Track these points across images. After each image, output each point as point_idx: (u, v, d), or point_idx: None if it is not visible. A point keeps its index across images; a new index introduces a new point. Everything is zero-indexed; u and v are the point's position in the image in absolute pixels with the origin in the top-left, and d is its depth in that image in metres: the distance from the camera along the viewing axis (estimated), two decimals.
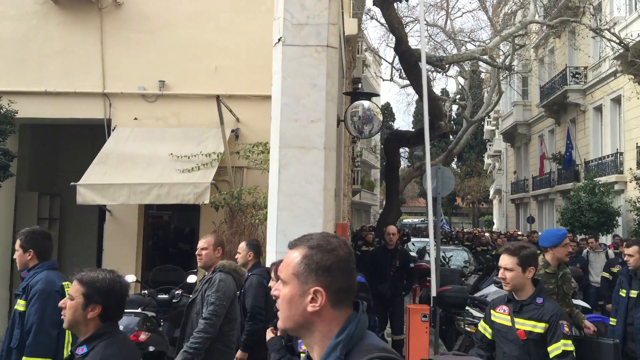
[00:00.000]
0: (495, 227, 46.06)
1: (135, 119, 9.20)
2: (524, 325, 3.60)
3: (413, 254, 17.20)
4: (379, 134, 40.06)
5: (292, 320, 1.68)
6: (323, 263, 1.68)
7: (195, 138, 8.05)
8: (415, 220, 43.30)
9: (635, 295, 5.41)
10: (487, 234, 23.36)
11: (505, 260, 3.66)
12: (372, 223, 31.62)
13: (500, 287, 9.38)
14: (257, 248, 5.24)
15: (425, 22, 25.29)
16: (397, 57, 18.76)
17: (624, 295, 5.53)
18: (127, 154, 8.35)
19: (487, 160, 55.11)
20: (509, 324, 3.67)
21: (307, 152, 4.94)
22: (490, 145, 50.90)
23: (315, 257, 1.69)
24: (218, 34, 8.66)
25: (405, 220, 43.11)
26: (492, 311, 3.88)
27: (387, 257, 7.93)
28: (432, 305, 6.21)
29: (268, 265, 4.64)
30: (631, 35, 18.26)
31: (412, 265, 8.18)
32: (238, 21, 8.65)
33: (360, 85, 28.33)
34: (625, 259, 5.64)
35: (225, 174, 7.80)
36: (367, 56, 33.28)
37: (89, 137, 10.48)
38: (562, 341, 3.50)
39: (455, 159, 62.48)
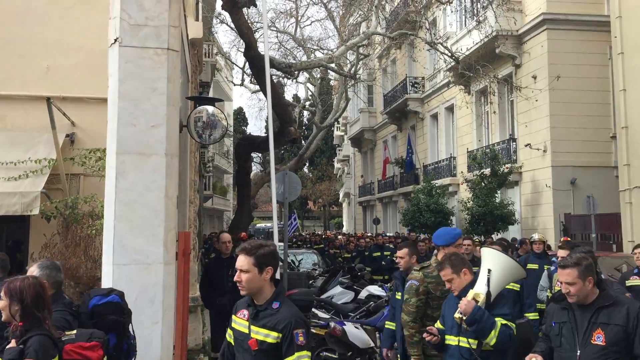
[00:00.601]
0: (344, 229, 47.79)
1: None
2: (258, 333, 3.19)
3: None
4: (232, 138, 39.87)
5: None
6: None
7: (24, 143, 7.36)
8: (269, 224, 43.50)
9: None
10: (340, 237, 24.09)
11: (241, 261, 3.22)
12: (224, 229, 31.23)
13: (345, 288, 9.75)
14: (3, 262, 5.00)
15: (275, 29, 25.59)
16: (247, 62, 18.79)
17: (399, 298, 5.32)
18: None
19: (336, 165, 57.07)
20: (246, 330, 3.25)
21: (147, 158, 4.72)
22: (339, 150, 52.80)
23: None
24: (50, 30, 8.00)
25: (258, 225, 43.21)
26: (233, 316, 3.41)
27: (222, 267, 7.28)
28: None
29: (109, 285, 4.35)
30: (461, 50, 19.94)
31: None
32: (73, 17, 8.07)
33: (210, 90, 27.94)
34: (397, 261, 5.54)
35: (59, 182, 7.20)
36: (218, 60, 32.93)
37: None
38: (297, 354, 3.08)
39: (307, 164, 63.98)
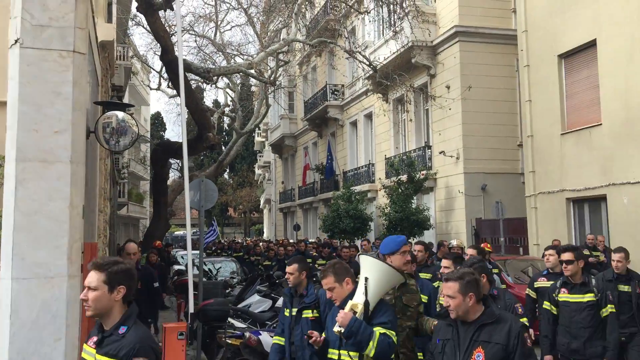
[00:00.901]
0: (265, 236, 47.59)
1: None
2: None
3: (182, 267, 16.85)
4: (149, 144, 38.78)
5: None
6: None
7: None
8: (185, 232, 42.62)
9: (295, 313, 5.08)
10: (262, 244, 23.85)
11: (90, 277, 2.95)
12: (133, 238, 30.30)
13: (263, 296, 9.68)
14: None
15: (194, 33, 25.16)
16: (164, 66, 18.33)
17: (287, 315, 5.15)
18: None
19: (257, 171, 56.81)
20: (92, 358, 2.98)
21: (50, 166, 4.48)
22: (260, 156, 52.61)
23: None
24: None
25: (176, 233, 42.21)
26: (84, 344, 3.15)
27: None
28: (189, 322, 6.08)
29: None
30: (379, 59, 20.40)
31: (156, 284, 7.22)
32: None
33: (126, 94, 27.06)
34: (287, 277, 5.32)
35: None
36: (134, 63, 31.99)
37: None
38: None
39: (227, 170, 63.29)
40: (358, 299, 3.86)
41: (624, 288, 6.51)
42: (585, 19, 14.68)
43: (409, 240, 17.22)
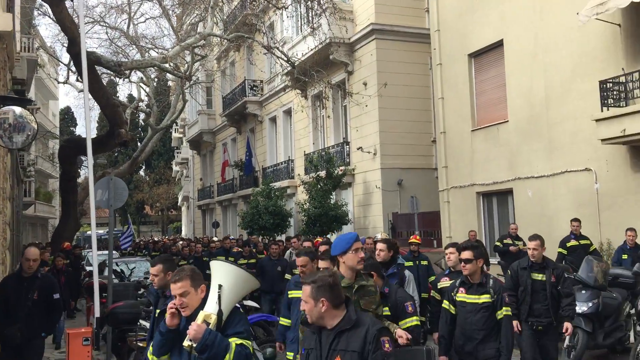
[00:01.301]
0: (183, 234, 46.62)
1: None
2: None
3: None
4: (58, 140, 36.94)
5: None
6: None
7: None
8: (100, 231, 41.08)
9: (157, 315, 4.58)
10: (179, 243, 22.98)
11: None
12: (49, 238, 28.84)
13: None
14: None
15: (105, 24, 24.18)
16: (71, 58, 17.50)
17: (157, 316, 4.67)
18: None
19: (175, 168, 55.54)
20: None
21: None
22: (178, 152, 51.44)
23: None
24: None
25: (89, 232, 40.47)
26: None
27: (21, 288, 6.23)
28: (95, 327, 5.81)
29: None
30: (297, 55, 20.41)
31: (56, 296, 6.47)
32: None
33: (31, 88, 25.63)
34: (151, 279, 4.89)
35: None
36: (41, 55, 30.37)
37: None
38: None
39: (143, 167, 61.47)
40: (210, 309, 3.48)
41: (538, 276, 6.47)
42: (493, 19, 15.31)
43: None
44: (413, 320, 4.73)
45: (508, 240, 12.80)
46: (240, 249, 15.05)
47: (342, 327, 3.27)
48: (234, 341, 3.45)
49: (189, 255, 15.26)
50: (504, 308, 5.23)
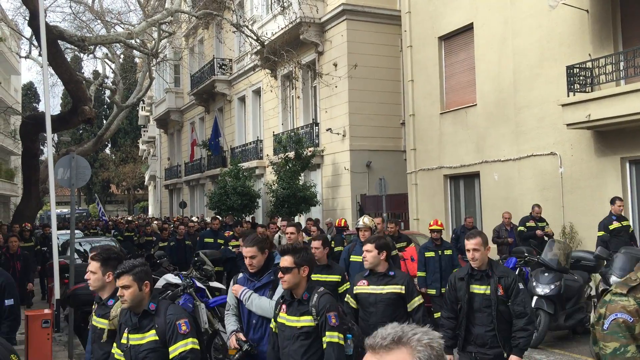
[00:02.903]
0: (150, 213, 46.06)
1: None
2: None
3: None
4: (20, 117, 35.90)
5: None
6: None
7: None
8: (65, 210, 40.30)
9: None
10: (154, 224, 21.74)
11: None
12: (11, 217, 28.14)
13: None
14: None
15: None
16: (33, 32, 16.93)
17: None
18: None
19: (142, 146, 54.67)
20: None
21: None
22: (145, 131, 50.61)
23: None
24: None
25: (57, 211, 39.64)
26: None
27: None
28: (55, 309, 5.67)
29: None
30: (266, 34, 20.13)
31: (9, 302, 5.74)
32: None
33: None
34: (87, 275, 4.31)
35: None
36: (2, 28, 29.37)
37: None
38: None
39: (109, 145, 60.35)
40: None
41: (481, 289, 4.66)
42: (463, 3, 15.31)
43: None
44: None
45: (531, 223, 11.50)
46: (231, 232, 12.85)
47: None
48: None
49: (169, 238, 13.88)
50: (331, 333, 3.82)
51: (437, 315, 4.65)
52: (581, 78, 11.58)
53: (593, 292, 9.09)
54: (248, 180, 21.00)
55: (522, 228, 11.55)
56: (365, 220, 7.42)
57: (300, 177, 19.19)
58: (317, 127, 20.89)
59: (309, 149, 19.67)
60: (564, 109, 11.75)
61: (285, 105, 23.28)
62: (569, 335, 9.04)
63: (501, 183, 14.18)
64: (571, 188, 12.48)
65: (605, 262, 8.65)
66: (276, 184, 18.86)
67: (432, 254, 8.64)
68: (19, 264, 9.89)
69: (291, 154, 19.17)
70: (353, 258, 7.35)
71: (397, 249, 8.21)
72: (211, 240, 12.39)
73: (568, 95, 11.62)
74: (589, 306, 8.95)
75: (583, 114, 11.29)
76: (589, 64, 11.54)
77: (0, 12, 27.92)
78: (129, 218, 31.16)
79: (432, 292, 8.67)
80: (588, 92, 11.44)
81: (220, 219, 14.44)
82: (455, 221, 15.76)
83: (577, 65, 11.65)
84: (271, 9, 22.44)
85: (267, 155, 22.96)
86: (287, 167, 18.96)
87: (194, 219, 22.38)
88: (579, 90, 11.56)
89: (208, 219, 20.84)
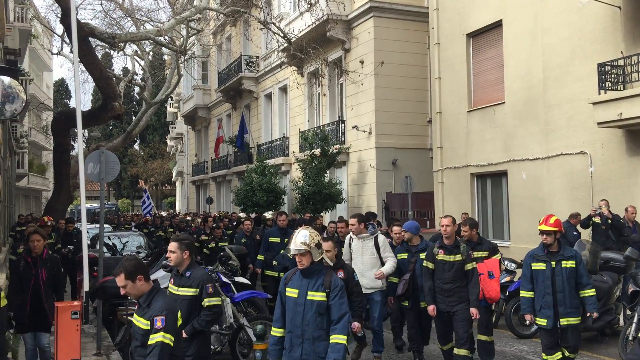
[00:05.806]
0: (177, 209, 46.60)
1: None
2: None
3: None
4: (52, 112, 36.62)
5: None
6: None
7: None
8: (95, 204, 41.00)
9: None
10: (198, 219, 21.06)
11: None
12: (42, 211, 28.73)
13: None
14: None
15: None
16: (65, 29, 17.25)
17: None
18: None
19: (170, 143, 55.29)
20: None
21: None
22: (172, 127, 51.16)
23: None
24: None
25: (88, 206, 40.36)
26: None
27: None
28: (84, 300, 5.80)
29: None
30: (293, 31, 20.18)
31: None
32: None
33: (25, 58, 25.32)
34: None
35: None
36: (35, 26, 29.96)
37: None
38: None
39: (138, 141, 61.19)
40: None
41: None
42: None
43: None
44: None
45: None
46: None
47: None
48: None
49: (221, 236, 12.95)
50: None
51: None
52: (613, 76, 11.36)
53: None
54: (274, 177, 21.10)
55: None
56: (305, 238, 4.60)
57: (325, 175, 19.21)
58: (343, 125, 20.88)
59: (335, 146, 19.67)
60: (595, 108, 11.54)
61: (311, 103, 23.31)
62: (597, 337, 8.90)
63: (529, 182, 13.99)
64: (602, 188, 12.26)
65: (635, 264, 8.49)
66: (302, 181, 18.92)
67: (542, 265, 6.38)
68: (45, 272, 6.86)
69: (317, 151, 19.20)
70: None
71: (474, 260, 7.11)
72: (277, 239, 10.64)
73: (599, 94, 11.41)
74: (618, 308, 8.80)
75: (614, 113, 11.07)
76: (620, 62, 11.31)
77: (33, 10, 28.50)
78: (174, 213, 30.64)
79: (543, 322, 6.39)
80: (620, 90, 11.22)
81: (287, 214, 12.42)
82: (482, 219, 15.61)
83: (609, 63, 11.42)
84: (298, 6, 22.49)
85: (293, 152, 23.02)
86: (313, 164, 19.00)
87: (241, 215, 20.73)
88: (610, 88, 11.34)
89: (242, 215, 20.35)
